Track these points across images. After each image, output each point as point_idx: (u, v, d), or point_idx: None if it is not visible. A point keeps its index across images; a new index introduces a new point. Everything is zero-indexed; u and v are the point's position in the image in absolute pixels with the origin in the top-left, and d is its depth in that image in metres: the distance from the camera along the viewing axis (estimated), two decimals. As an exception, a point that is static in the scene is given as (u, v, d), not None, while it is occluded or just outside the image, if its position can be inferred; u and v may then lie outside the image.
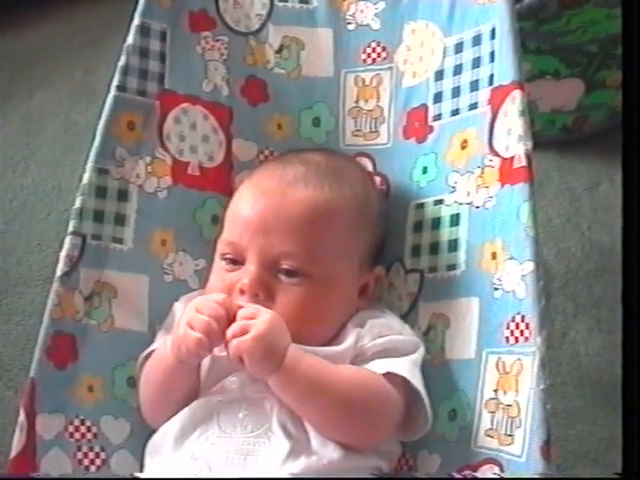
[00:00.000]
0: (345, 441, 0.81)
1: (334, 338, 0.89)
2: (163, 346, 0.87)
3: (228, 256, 0.90)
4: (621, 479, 0.81)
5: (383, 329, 0.88)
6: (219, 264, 0.92)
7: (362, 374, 0.84)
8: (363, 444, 0.83)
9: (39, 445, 0.84)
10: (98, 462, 0.88)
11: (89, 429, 0.88)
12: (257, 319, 0.80)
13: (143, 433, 0.90)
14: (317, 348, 0.85)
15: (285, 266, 0.87)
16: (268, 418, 0.82)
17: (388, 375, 0.84)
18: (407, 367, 0.85)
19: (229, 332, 0.80)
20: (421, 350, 0.89)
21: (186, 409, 0.85)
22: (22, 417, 0.83)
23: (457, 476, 0.83)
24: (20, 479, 0.82)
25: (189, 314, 0.82)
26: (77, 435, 0.87)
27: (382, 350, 0.87)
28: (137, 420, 0.91)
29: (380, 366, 0.85)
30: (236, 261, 0.89)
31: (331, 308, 0.89)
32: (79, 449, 0.87)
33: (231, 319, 0.81)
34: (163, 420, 0.86)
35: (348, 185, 0.92)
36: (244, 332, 0.79)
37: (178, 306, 0.94)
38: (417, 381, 0.85)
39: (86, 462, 0.87)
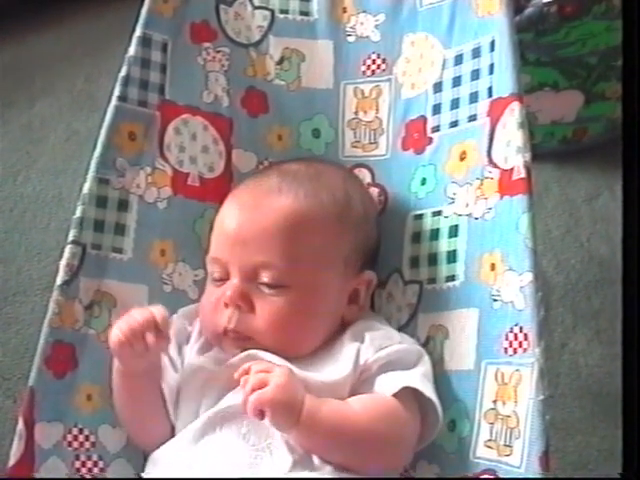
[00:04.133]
0: (374, 472, 0.81)
1: (329, 349, 0.89)
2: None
3: (215, 274, 0.91)
4: (621, 479, 0.82)
5: (384, 341, 0.88)
6: (209, 284, 0.93)
7: (379, 407, 0.83)
8: (391, 471, 0.83)
9: (37, 454, 0.84)
10: (96, 470, 0.88)
11: (87, 438, 0.88)
12: (273, 372, 0.80)
13: (140, 442, 0.90)
14: (323, 379, 0.84)
15: (264, 278, 0.87)
16: (271, 434, 0.82)
17: (402, 390, 0.84)
18: (418, 378, 0.85)
19: (247, 386, 0.79)
20: (426, 359, 0.89)
21: (188, 426, 0.85)
22: (21, 426, 0.83)
23: (470, 476, 0.83)
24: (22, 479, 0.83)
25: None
26: (75, 444, 0.87)
27: (387, 363, 0.86)
28: None
29: (391, 382, 0.84)
30: (222, 278, 0.90)
31: (314, 317, 0.89)
32: (77, 458, 0.87)
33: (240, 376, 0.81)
34: (146, 436, 0.87)
35: (326, 190, 0.92)
36: (263, 385, 0.79)
37: (175, 319, 0.94)
38: (429, 390, 0.85)
39: (84, 471, 0.87)
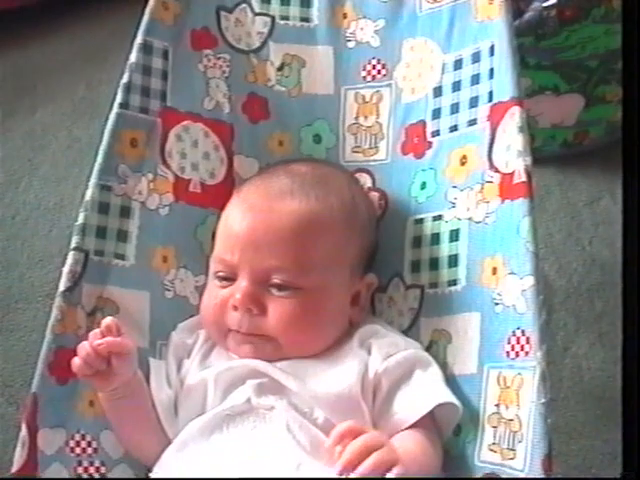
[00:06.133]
0: None
1: (337, 352, 0.89)
2: None
3: (220, 274, 0.91)
4: (621, 479, 0.81)
5: (390, 348, 0.88)
6: (212, 282, 0.93)
7: (432, 447, 0.83)
8: None
9: (40, 460, 0.84)
10: (98, 476, 0.88)
11: (89, 444, 0.88)
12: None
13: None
14: (329, 390, 0.84)
15: (275, 280, 0.88)
16: (278, 432, 0.82)
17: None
18: (443, 391, 0.85)
19: (357, 447, 0.74)
20: (430, 360, 0.88)
21: (192, 422, 0.85)
22: (24, 432, 0.83)
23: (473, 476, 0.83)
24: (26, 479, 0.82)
25: None
26: (78, 450, 0.87)
27: (397, 379, 0.86)
28: None
29: (413, 406, 0.84)
30: (228, 278, 0.90)
31: (323, 318, 0.90)
32: (79, 464, 0.87)
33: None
34: (143, 453, 0.88)
35: (334, 194, 0.93)
36: (379, 445, 0.75)
37: (173, 335, 0.95)
38: (451, 397, 0.84)
39: (86, 477, 0.87)
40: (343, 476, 0.75)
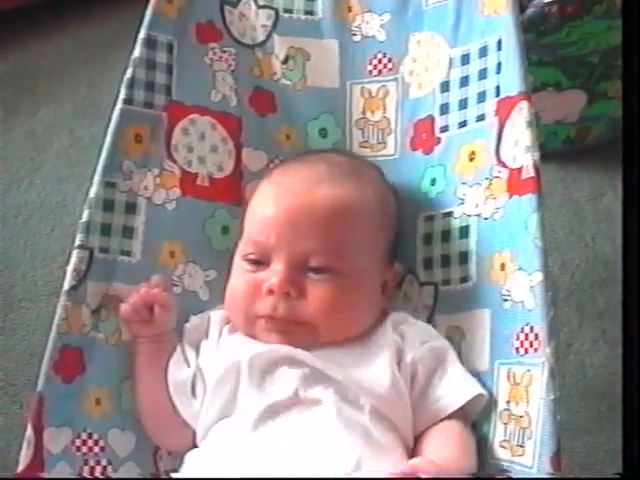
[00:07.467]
0: None
1: (369, 338, 0.88)
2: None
3: (251, 257, 0.90)
4: (621, 479, 0.81)
5: (423, 336, 0.89)
6: (241, 265, 0.91)
7: (470, 443, 0.84)
8: None
9: (46, 459, 0.84)
10: (103, 477, 0.87)
11: (96, 442, 0.88)
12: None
13: (149, 444, 0.90)
14: (375, 380, 0.84)
15: (314, 264, 0.87)
16: (328, 421, 0.81)
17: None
18: (472, 383, 0.85)
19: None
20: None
21: (232, 419, 0.84)
22: (30, 431, 0.82)
23: (480, 476, 0.82)
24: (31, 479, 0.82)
25: None
26: (84, 449, 0.87)
27: (435, 367, 0.86)
28: (143, 432, 0.90)
29: (453, 396, 0.85)
30: (259, 262, 0.89)
31: (360, 301, 0.89)
32: (86, 463, 0.87)
33: None
34: (171, 437, 0.88)
35: (369, 184, 0.94)
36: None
37: (186, 326, 0.94)
38: (480, 387, 0.85)
39: (92, 477, 0.87)
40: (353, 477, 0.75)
